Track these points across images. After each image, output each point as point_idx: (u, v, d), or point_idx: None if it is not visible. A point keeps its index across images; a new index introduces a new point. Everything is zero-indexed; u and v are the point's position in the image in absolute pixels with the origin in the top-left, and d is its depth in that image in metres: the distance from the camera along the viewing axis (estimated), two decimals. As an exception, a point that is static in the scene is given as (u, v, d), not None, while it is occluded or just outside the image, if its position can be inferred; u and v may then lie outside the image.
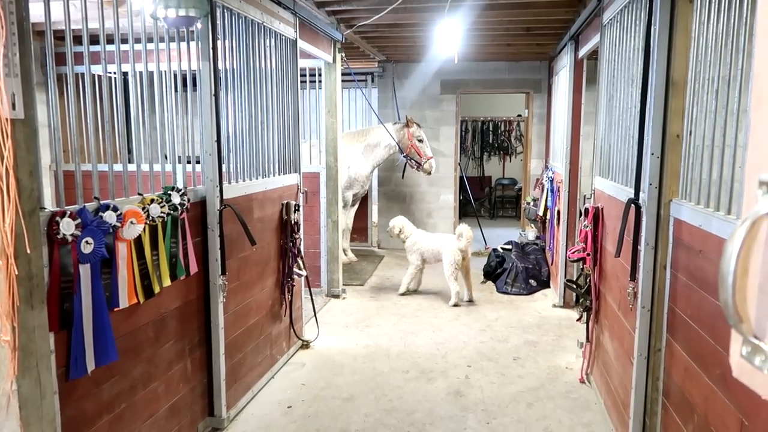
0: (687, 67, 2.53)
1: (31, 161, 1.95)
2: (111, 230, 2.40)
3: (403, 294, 6.25)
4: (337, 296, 6.17)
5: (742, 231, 0.53)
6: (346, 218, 7.49)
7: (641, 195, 2.82)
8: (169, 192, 2.87)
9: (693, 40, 2.46)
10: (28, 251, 1.91)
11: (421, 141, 7.38)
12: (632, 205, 2.87)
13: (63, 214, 2.12)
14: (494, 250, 7.30)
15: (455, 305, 5.85)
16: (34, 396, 2.00)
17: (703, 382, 2.14)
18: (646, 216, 2.74)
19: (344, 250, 7.32)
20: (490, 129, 12.68)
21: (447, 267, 5.93)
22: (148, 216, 2.66)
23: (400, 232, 6.28)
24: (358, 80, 8.01)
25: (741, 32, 1.98)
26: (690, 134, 2.46)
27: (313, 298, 4.98)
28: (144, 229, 2.62)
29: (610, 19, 3.74)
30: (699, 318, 2.22)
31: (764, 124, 0.55)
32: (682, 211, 2.47)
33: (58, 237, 2.10)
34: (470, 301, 6.04)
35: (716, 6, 2.19)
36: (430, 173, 7.54)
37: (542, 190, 7.01)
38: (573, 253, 4.05)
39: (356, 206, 7.83)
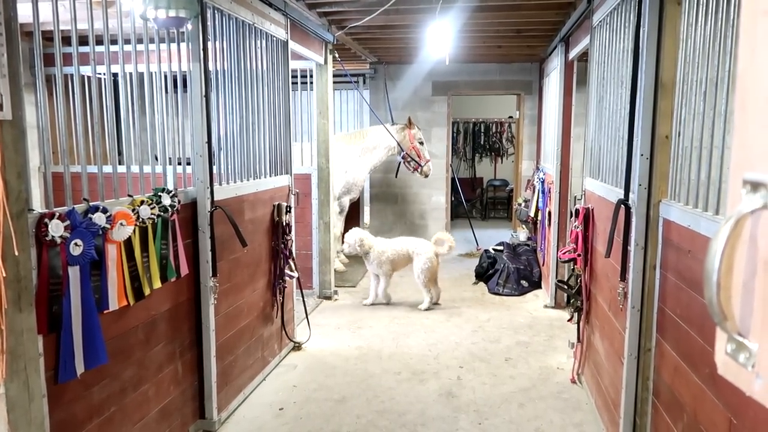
0: (675, 68, 2.55)
1: (19, 162, 1.94)
2: (100, 232, 2.39)
3: (385, 303, 5.93)
4: (329, 298, 6.16)
5: (727, 229, 0.54)
6: (341, 225, 7.22)
7: (631, 196, 2.83)
8: (159, 193, 2.86)
9: (681, 42, 2.48)
10: (16, 253, 1.90)
11: (422, 143, 7.25)
12: (622, 205, 2.88)
13: (52, 216, 2.10)
14: (486, 251, 7.32)
15: (427, 309, 5.75)
16: (23, 399, 1.99)
17: (692, 381, 2.15)
18: (636, 216, 2.76)
19: (338, 252, 7.20)
20: (482, 130, 12.72)
21: (422, 272, 5.72)
22: (138, 217, 2.64)
23: (361, 244, 5.80)
24: (354, 81, 7.96)
25: (728, 34, 2.00)
26: (678, 135, 2.48)
27: (305, 299, 4.97)
28: (134, 230, 2.61)
29: (600, 21, 3.76)
30: (688, 317, 2.23)
31: (748, 124, 0.56)
32: (671, 211, 2.49)
33: (47, 239, 2.08)
34: (436, 303, 5.91)
35: (704, 8, 2.21)
36: (427, 176, 7.43)
37: (533, 192, 7.04)
38: (564, 253, 4.06)
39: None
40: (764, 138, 0.53)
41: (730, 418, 1.80)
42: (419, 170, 7.29)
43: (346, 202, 7.14)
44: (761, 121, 0.53)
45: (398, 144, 7.06)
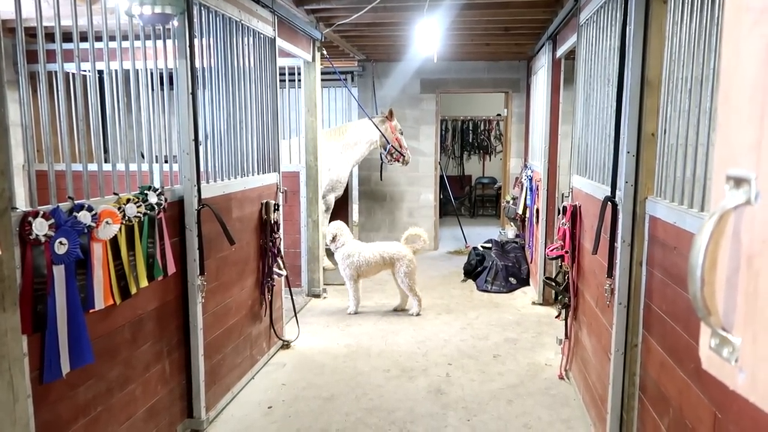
0: (661, 66, 2.57)
1: (2, 160, 1.91)
2: (86, 230, 2.36)
3: (355, 313, 5.61)
4: (317, 296, 6.15)
5: (710, 225, 0.54)
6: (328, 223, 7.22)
7: (617, 193, 2.85)
8: (145, 191, 2.84)
9: (667, 40, 2.50)
10: (0, 252, 1.87)
11: (401, 133, 7.40)
12: (609, 202, 2.90)
13: (36, 214, 2.08)
14: (474, 248, 7.34)
15: (417, 315, 5.54)
16: (7, 400, 1.96)
17: (677, 376, 2.17)
18: (623, 213, 2.78)
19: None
20: (470, 128, 12.75)
21: (405, 276, 5.46)
22: (124, 216, 2.62)
23: (334, 238, 5.54)
24: (343, 78, 7.96)
25: (713, 32, 2.02)
26: (664, 133, 2.50)
27: (294, 297, 4.96)
28: (120, 229, 2.58)
29: (587, 20, 3.78)
30: (674, 313, 2.25)
31: (731, 120, 0.56)
32: (657, 208, 2.51)
33: (31, 237, 2.06)
34: (404, 310, 5.72)
35: (689, 7, 2.23)
36: (408, 163, 7.55)
37: (521, 189, 7.07)
38: (551, 250, 4.08)
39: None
40: (747, 134, 0.53)
41: (715, 413, 1.82)
42: (401, 160, 7.39)
43: (331, 199, 7.11)
44: (744, 116, 0.53)
45: (382, 135, 7.12)
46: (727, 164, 0.55)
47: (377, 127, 7.06)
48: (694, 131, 2.16)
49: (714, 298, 0.55)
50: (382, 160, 7.59)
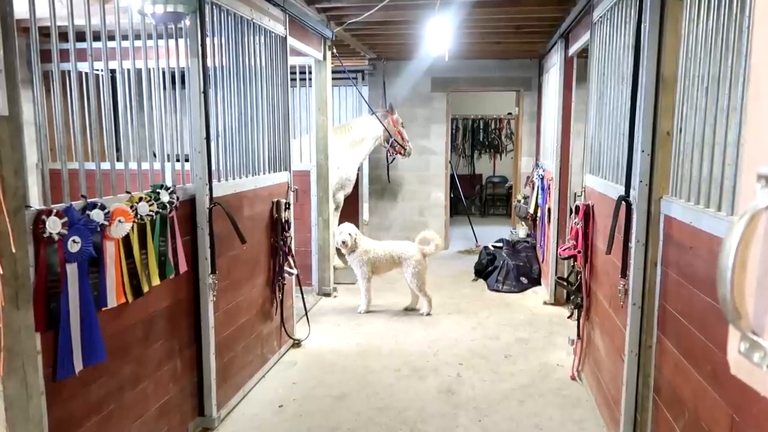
0: (677, 64, 2.54)
1: (16, 159, 1.92)
2: (98, 229, 2.37)
3: (366, 312, 5.61)
4: (328, 295, 6.15)
5: (741, 225, 0.52)
6: (337, 222, 7.09)
7: (632, 192, 2.82)
8: (157, 190, 2.84)
9: (683, 37, 2.46)
10: (14, 250, 1.88)
11: (403, 126, 7.56)
12: (623, 202, 2.87)
13: (49, 213, 2.09)
14: (485, 248, 7.31)
15: (428, 314, 5.51)
16: (21, 397, 1.98)
17: (693, 378, 2.14)
18: (637, 213, 2.75)
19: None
20: (481, 127, 12.69)
21: (413, 277, 5.44)
22: (136, 214, 2.63)
23: (353, 238, 5.50)
24: (352, 78, 7.97)
25: (730, 29, 1.99)
26: (680, 131, 2.46)
27: (304, 296, 4.96)
28: (132, 227, 2.59)
29: (601, 17, 3.74)
30: (689, 314, 2.22)
31: (762, 118, 0.54)
32: (672, 208, 2.48)
33: (45, 236, 2.07)
34: (415, 309, 5.70)
35: (706, 3, 2.20)
36: (410, 155, 7.73)
37: (533, 188, 7.03)
38: (564, 250, 4.05)
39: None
40: (779, 131, 0.51)
41: (733, 415, 1.79)
42: (403, 152, 7.56)
43: (340, 198, 7.11)
44: (776, 114, 0.52)
45: (386, 129, 7.26)
46: (758, 162, 0.53)
47: (380, 122, 7.18)
48: (710, 130, 2.13)
49: (744, 301, 0.54)
50: (387, 161, 7.87)
